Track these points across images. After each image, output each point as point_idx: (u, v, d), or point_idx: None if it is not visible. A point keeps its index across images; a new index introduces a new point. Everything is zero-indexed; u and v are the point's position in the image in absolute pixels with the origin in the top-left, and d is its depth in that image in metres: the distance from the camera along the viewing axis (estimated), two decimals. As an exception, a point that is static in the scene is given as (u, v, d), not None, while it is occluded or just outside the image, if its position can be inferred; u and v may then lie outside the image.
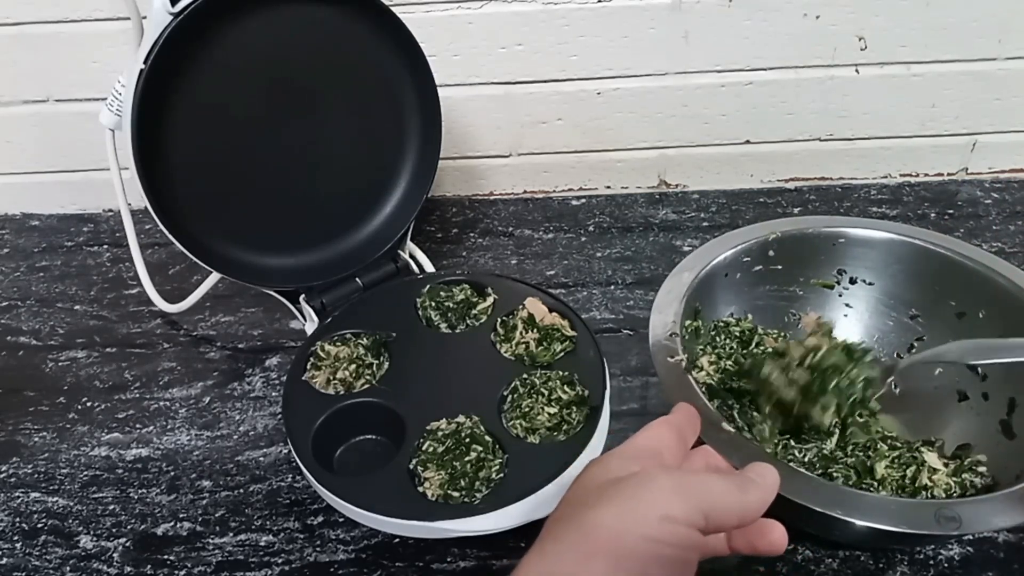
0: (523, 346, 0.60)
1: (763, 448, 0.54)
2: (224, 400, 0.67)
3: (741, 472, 0.38)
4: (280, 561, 0.54)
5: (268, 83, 0.62)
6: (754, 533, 0.39)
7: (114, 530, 0.57)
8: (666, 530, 0.35)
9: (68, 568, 0.54)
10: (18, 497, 0.60)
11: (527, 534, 0.51)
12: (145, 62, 0.55)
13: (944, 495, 0.52)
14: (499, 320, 0.63)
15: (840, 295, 0.64)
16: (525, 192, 0.90)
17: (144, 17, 0.58)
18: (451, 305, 0.64)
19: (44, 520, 0.58)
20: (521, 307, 0.63)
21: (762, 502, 0.37)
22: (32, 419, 0.66)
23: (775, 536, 0.39)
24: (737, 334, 0.62)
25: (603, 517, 0.35)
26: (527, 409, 0.56)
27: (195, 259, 0.61)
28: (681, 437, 0.43)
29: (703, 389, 0.52)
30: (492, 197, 0.90)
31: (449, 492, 0.51)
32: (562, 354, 0.60)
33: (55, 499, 0.59)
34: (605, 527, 0.35)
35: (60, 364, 0.71)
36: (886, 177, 0.88)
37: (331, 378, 0.59)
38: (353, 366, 0.60)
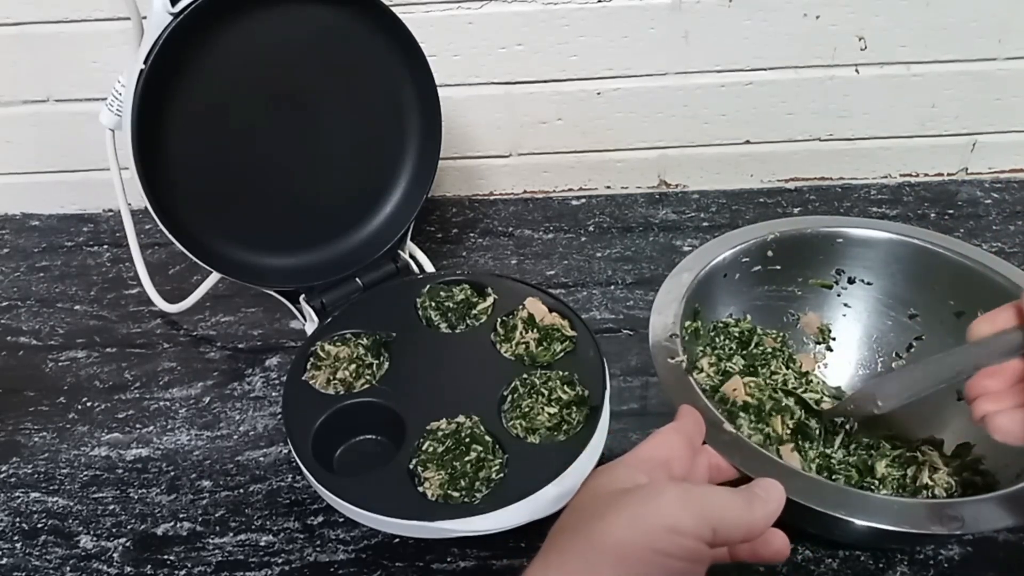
0: (523, 346, 0.60)
1: (763, 450, 0.54)
2: (224, 400, 0.67)
3: (747, 488, 0.39)
4: (280, 561, 0.54)
5: (268, 83, 0.62)
6: (759, 542, 0.39)
7: (114, 530, 0.57)
8: (673, 543, 0.35)
9: (68, 568, 0.54)
10: (18, 497, 0.60)
11: (527, 534, 0.51)
12: (145, 62, 0.55)
13: (945, 494, 0.52)
14: (499, 320, 0.63)
15: (839, 295, 0.64)
16: (525, 192, 0.90)
17: (144, 17, 0.58)
18: (451, 305, 0.64)
19: (44, 520, 0.58)
20: (521, 307, 0.63)
21: (768, 518, 0.38)
22: (32, 419, 0.66)
23: (779, 545, 0.39)
24: (736, 335, 0.62)
25: (610, 529, 0.35)
26: (527, 409, 0.56)
27: (195, 259, 0.61)
28: (690, 444, 0.43)
29: (705, 390, 0.52)
30: (492, 197, 0.90)
31: (449, 492, 0.51)
32: (562, 354, 0.60)
33: (55, 499, 0.59)
34: (612, 539, 0.35)
35: (60, 364, 0.71)
36: (886, 177, 0.88)
37: (331, 378, 0.59)
38: (353, 366, 0.60)
